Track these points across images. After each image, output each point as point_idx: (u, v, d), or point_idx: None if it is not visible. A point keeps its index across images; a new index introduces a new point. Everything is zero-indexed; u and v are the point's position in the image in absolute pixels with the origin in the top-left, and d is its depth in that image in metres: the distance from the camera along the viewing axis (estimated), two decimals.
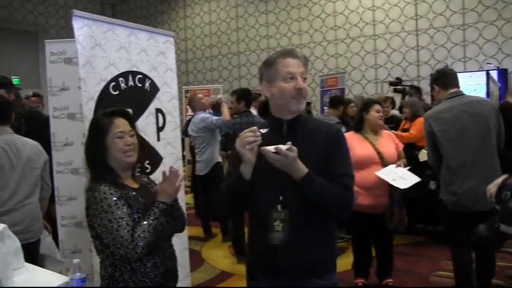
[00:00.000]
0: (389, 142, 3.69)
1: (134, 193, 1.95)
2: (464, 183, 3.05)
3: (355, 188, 3.38)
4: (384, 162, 3.50)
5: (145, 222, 1.82)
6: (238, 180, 1.78)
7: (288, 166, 1.68)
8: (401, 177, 3.47)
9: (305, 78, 1.85)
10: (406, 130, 5.41)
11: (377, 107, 3.69)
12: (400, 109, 6.19)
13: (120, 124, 1.98)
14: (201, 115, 5.59)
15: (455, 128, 3.10)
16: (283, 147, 1.64)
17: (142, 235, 1.78)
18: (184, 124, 7.54)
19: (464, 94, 3.28)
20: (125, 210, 1.83)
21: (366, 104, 3.76)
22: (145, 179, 2.20)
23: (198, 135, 5.54)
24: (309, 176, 1.71)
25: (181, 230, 2.16)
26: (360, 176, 3.44)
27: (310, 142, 1.82)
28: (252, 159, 1.73)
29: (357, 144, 3.53)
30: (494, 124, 3.14)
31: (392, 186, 3.46)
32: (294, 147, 1.65)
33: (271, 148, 1.64)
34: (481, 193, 3.02)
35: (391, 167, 3.50)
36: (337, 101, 5.95)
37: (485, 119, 3.11)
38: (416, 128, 5.50)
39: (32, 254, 2.91)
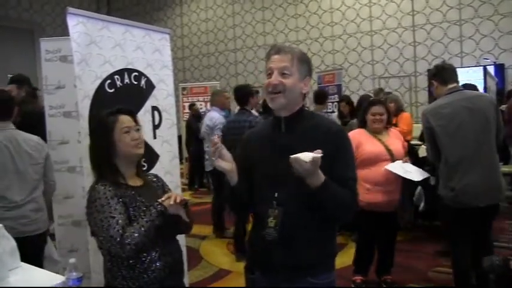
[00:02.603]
0: (396, 140, 3.67)
1: (133, 192, 1.96)
2: (463, 178, 3.04)
3: (367, 185, 3.41)
4: (394, 159, 3.49)
5: (137, 223, 1.83)
6: (228, 186, 1.83)
7: (311, 174, 1.62)
8: (411, 172, 3.48)
9: (285, 74, 1.77)
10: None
11: (373, 109, 3.61)
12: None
13: (125, 120, 2.02)
14: (213, 114, 5.62)
15: (454, 124, 3.08)
16: (317, 156, 1.57)
17: (132, 236, 1.78)
18: None
19: (463, 89, 3.26)
20: (117, 208, 1.84)
21: (366, 106, 3.72)
22: (153, 177, 2.22)
23: (205, 131, 5.58)
24: (325, 183, 1.67)
25: (186, 232, 2.20)
26: (371, 172, 3.44)
27: (309, 140, 1.77)
28: (225, 167, 1.74)
29: (367, 141, 3.53)
30: (494, 119, 3.12)
31: (404, 182, 3.45)
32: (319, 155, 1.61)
33: (307, 158, 1.56)
34: (479, 189, 3.03)
35: (399, 162, 3.49)
36: (324, 96, 5.99)
37: (485, 114, 3.09)
38: (406, 122, 5.59)
39: (39, 247, 3.00)
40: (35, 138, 3.04)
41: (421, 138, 5.02)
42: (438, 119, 3.14)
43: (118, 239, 1.77)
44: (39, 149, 3.01)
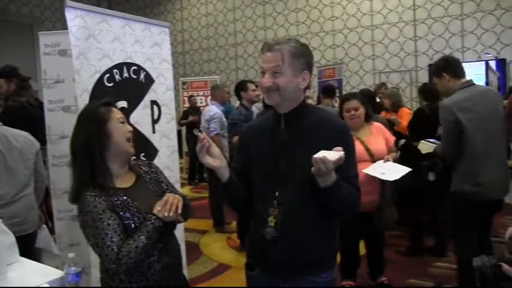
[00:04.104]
0: (378, 138, 3.50)
1: (124, 197, 1.82)
2: (489, 172, 2.99)
3: None
4: (374, 160, 3.36)
5: (133, 241, 1.71)
6: (220, 183, 1.77)
7: (328, 172, 1.58)
8: (390, 171, 3.34)
9: (276, 73, 1.73)
10: (390, 121, 5.35)
11: (347, 105, 3.45)
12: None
13: (118, 112, 1.93)
14: (210, 108, 5.62)
15: (478, 118, 3.02)
16: (342, 154, 1.55)
17: (128, 255, 1.68)
18: None
19: (475, 84, 3.20)
20: (110, 223, 1.71)
21: (341, 103, 3.57)
22: (146, 166, 2.06)
23: (204, 125, 5.56)
24: (337, 182, 1.64)
25: (185, 219, 2.00)
26: None
27: (309, 138, 1.76)
28: (212, 164, 1.68)
29: None
30: (502, 113, 3.13)
31: (382, 183, 3.34)
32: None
33: (333, 157, 1.53)
34: (500, 182, 3.05)
35: (379, 162, 3.36)
36: (332, 90, 5.98)
37: (498, 108, 3.10)
38: (407, 118, 5.49)
39: (29, 246, 2.93)
40: (24, 133, 2.99)
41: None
42: (464, 113, 3.02)
43: (113, 258, 1.67)
44: (29, 144, 2.97)
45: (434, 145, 3.48)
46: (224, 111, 5.66)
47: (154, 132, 3.22)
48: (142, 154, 3.06)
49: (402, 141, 4.75)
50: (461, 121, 3.02)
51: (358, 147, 3.26)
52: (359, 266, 3.71)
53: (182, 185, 3.66)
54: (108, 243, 1.68)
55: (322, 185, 1.62)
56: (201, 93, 9.73)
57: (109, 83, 2.85)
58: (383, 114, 5.51)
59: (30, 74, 4.32)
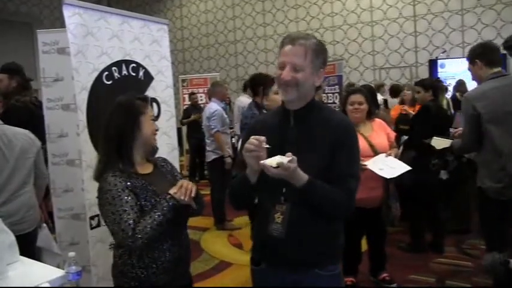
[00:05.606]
0: (381, 133, 3.50)
1: (143, 181, 1.95)
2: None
3: None
4: (377, 155, 3.35)
5: (149, 217, 1.82)
6: (243, 181, 1.75)
7: (288, 177, 1.60)
8: (390, 167, 3.29)
9: (297, 69, 1.70)
10: (406, 116, 5.30)
11: (352, 98, 3.43)
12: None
13: (152, 110, 2.10)
14: (211, 105, 5.55)
15: (503, 110, 2.84)
16: (285, 159, 1.54)
17: (144, 230, 1.79)
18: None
19: (508, 74, 3.05)
20: (128, 201, 1.85)
21: (345, 96, 3.56)
22: (162, 161, 2.18)
23: (205, 123, 5.50)
24: (309, 184, 1.64)
25: (198, 211, 2.10)
26: None
27: (317, 135, 1.75)
28: (254, 166, 1.66)
29: None
30: None
31: (387, 179, 3.31)
32: (295, 158, 1.57)
33: (272, 163, 1.54)
34: None
35: (381, 156, 3.34)
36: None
37: None
38: None
39: (29, 245, 2.89)
40: (25, 132, 2.97)
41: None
42: (485, 106, 2.85)
43: (130, 233, 1.79)
44: (29, 143, 2.95)
45: (451, 140, 3.35)
46: (224, 108, 5.63)
47: None
48: None
49: (404, 137, 4.71)
50: (480, 114, 2.85)
51: (362, 143, 3.23)
52: (360, 262, 3.71)
53: None
54: (125, 219, 1.81)
55: (297, 185, 1.64)
56: (201, 90, 9.70)
57: (108, 80, 2.84)
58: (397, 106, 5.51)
59: (30, 72, 4.28)
